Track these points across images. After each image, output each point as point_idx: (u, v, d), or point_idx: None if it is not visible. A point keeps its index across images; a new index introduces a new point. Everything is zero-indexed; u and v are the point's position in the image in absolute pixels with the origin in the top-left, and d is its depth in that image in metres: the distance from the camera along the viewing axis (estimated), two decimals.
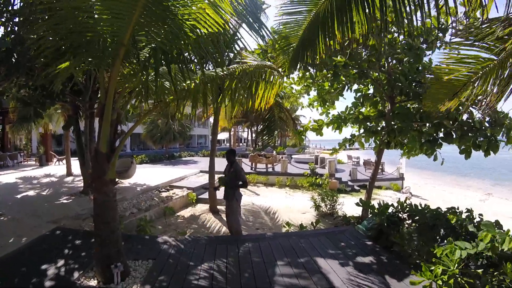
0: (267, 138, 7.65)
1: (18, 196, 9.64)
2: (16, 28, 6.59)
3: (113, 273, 4.08)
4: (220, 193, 10.11)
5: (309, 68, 7.47)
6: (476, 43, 4.02)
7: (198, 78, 4.78)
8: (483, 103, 4.64)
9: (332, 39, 3.91)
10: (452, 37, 4.53)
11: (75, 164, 12.60)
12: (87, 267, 4.64)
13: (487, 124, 6.61)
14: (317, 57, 4.39)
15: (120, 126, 4.62)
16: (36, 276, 4.38)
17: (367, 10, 3.28)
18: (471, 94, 4.28)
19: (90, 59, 4.04)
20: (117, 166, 5.07)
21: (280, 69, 5.81)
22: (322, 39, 3.96)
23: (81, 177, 10.84)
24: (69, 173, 15.04)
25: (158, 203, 9.69)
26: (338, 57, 7.19)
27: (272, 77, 5.76)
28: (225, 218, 7.23)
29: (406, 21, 3.11)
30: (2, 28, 6.75)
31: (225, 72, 4.98)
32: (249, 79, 5.38)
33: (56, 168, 17.93)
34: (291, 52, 4.92)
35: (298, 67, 5.25)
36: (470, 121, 6.65)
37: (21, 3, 6.42)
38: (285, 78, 8.54)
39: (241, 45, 4.06)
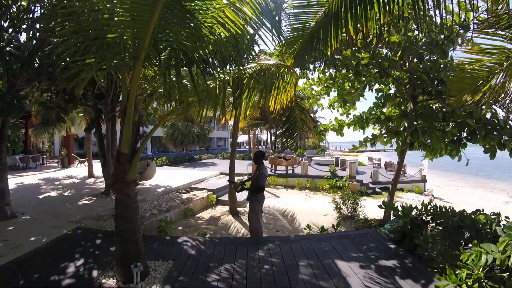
0: (288, 140, 7.53)
1: (40, 197, 9.87)
2: (38, 34, 6.78)
3: (132, 273, 4.11)
4: (239, 195, 10.17)
5: (318, 62, 7.25)
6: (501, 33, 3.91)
7: (218, 79, 4.79)
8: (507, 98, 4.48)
9: (345, 32, 3.81)
10: (476, 26, 4.40)
11: (97, 166, 12.82)
12: (107, 267, 4.69)
13: (511, 123, 6.41)
14: (328, 49, 4.23)
15: (142, 127, 4.67)
16: (56, 274, 4.45)
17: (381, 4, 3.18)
18: (495, 86, 4.16)
19: (111, 62, 4.09)
20: None
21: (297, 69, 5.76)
22: (333, 32, 3.84)
23: (103, 179, 11.03)
24: (90, 174, 15.34)
25: (178, 204, 9.77)
26: (362, 53, 7.08)
27: (288, 76, 5.73)
28: (245, 220, 7.19)
29: (427, 18, 3.01)
30: (24, 34, 6.97)
31: (244, 72, 4.96)
32: (266, 78, 5.36)
33: (78, 170, 18.33)
34: (297, 49, 4.79)
35: (305, 62, 5.09)
36: (495, 119, 6.45)
37: (42, 10, 6.61)
38: (304, 79, 8.48)
39: (260, 47, 4.03)
